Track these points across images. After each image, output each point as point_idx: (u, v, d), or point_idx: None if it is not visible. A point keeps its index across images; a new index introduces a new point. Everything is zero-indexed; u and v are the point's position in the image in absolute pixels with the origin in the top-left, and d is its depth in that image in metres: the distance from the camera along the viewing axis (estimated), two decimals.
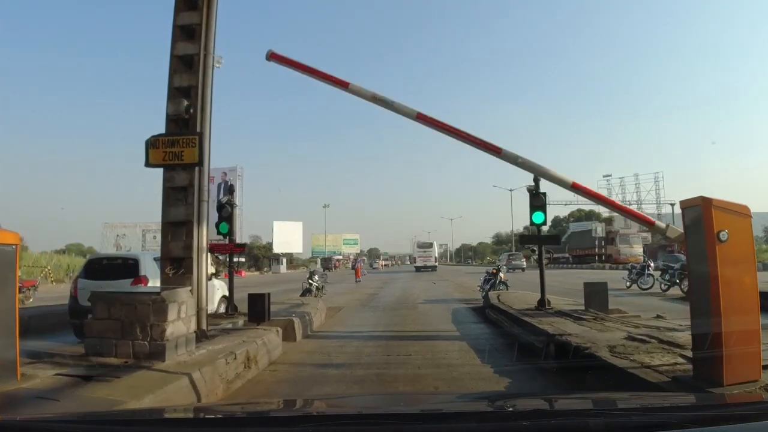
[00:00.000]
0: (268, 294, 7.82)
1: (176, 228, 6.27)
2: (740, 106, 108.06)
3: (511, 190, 63.35)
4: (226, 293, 9.77)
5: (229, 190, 9.64)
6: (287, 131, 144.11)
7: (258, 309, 7.44)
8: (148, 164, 6.45)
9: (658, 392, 3.35)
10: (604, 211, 69.93)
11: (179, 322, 5.01)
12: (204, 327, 6.39)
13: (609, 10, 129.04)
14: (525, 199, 8.72)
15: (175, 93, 6.63)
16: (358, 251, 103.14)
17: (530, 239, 9.52)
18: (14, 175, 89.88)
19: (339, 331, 8.90)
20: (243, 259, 49.84)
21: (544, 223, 8.72)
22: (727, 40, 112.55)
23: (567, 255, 50.79)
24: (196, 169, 6.38)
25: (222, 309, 9.92)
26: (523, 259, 39.54)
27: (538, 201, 8.71)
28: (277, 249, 71.92)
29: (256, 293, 7.81)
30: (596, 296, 7.94)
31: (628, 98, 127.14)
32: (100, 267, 8.80)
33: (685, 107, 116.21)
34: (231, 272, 8.69)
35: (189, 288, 5.29)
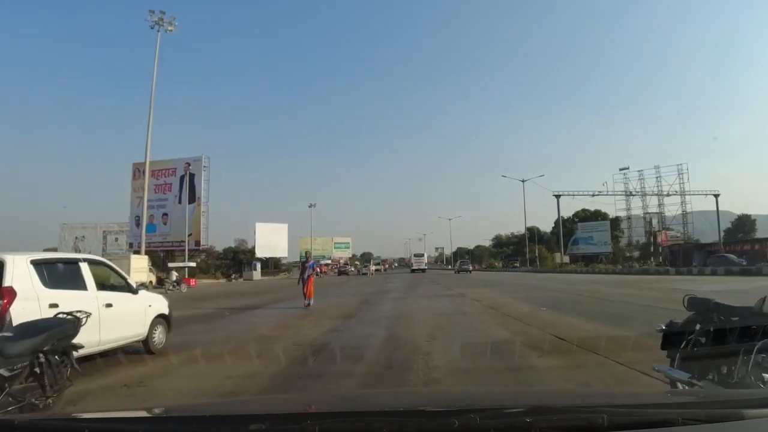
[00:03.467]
0: None
1: None
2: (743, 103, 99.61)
3: (523, 181, 54.23)
4: (167, 311, 7.58)
5: None
6: (286, 132, 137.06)
7: None
8: None
9: (659, 390, 3.42)
10: (610, 211, 62.03)
11: None
12: None
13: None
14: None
15: None
16: (350, 255, 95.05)
17: None
18: None
19: None
20: (194, 264, 42.37)
21: None
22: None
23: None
24: None
25: (158, 337, 7.22)
26: (470, 264, 55.07)
27: None
28: (259, 253, 66.02)
29: None
30: None
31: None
32: None
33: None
34: None
35: None
